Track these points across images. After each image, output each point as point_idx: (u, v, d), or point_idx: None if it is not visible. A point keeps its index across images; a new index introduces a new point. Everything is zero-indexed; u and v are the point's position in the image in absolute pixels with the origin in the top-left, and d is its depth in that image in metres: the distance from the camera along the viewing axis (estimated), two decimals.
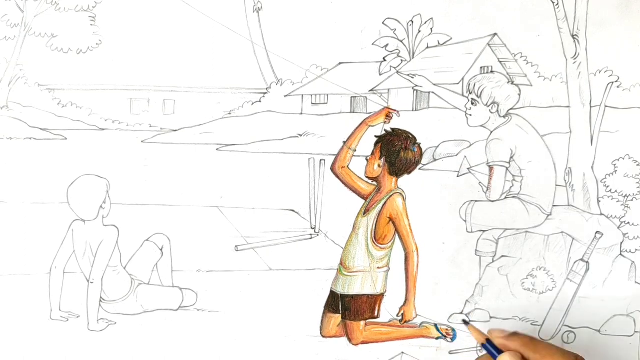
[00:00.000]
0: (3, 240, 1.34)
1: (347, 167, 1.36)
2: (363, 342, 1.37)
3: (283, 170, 1.38)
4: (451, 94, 1.39)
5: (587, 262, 1.39)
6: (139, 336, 1.37)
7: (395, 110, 1.37)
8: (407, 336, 1.38)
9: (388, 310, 1.38)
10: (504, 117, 1.39)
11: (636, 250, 1.40)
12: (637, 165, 1.39)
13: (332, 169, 1.36)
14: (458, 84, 1.39)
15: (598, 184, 1.39)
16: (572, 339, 1.40)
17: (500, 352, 1.10)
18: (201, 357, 1.38)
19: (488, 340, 1.13)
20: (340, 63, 1.37)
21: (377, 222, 1.34)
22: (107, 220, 1.36)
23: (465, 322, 1.25)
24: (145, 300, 1.38)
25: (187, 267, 1.38)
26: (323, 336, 1.38)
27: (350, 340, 1.38)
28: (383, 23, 1.37)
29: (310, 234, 1.40)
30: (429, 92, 1.39)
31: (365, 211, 1.35)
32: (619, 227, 1.40)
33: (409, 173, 1.36)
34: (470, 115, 1.38)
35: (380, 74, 1.38)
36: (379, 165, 1.34)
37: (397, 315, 1.37)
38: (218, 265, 1.38)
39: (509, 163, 1.38)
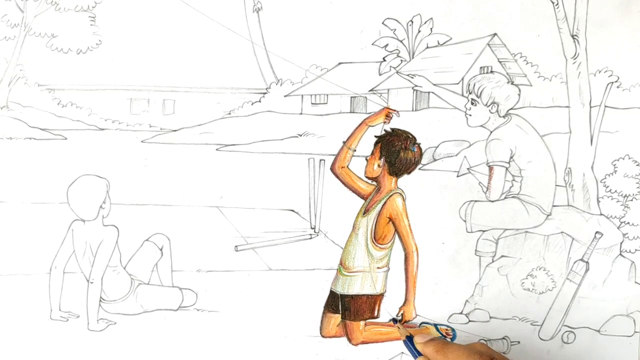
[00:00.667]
0: (3, 240, 1.34)
1: (347, 167, 1.36)
2: (363, 342, 1.37)
3: (283, 170, 1.38)
4: (451, 94, 1.39)
5: (587, 262, 1.39)
6: (138, 336, 1.37)
7: (395, 110, 1.37)
8: None
9: (388, 310, 1.38)
10: (503, 117, 1.39)
11: (636, 250, 1.40)
12: (637, 165, 1.39)
13: (332, 169, 1.36)
14: (458, 84, 1.39)
15: (598, 184, 1.39)
16: (572, 339, 1.40)
17: (420, 354, 1.23)
18: (201, 357, 1.38)
19: (409, 337, 1.26)
20: (340, 63, 1.37)
21: (376, 222, 1.34)
22: (107, 220, 1.36)
23: (395, 321, 1.35)
24: (145, 300, 1.38)
25: (187, 267, 1.38)
26: (323, 336, 1.38)
27: (350, 340, 1.38)
28: (383, 23, 1.37)
29: (310, 234, 1.40)
30: (428, 92, 1.39)
31: (365, 211, 1.35)
32: (618, 227, 1.40)
33: (409, 173, 1.36)
34: (470, 115, 1.38)
35: (380, 74, 1.38)
36: (378, 165, 1.34)
37: (397, 315, 1.37)
38: (218, 265, 1.38)
39: (508, 163, 1.38)
